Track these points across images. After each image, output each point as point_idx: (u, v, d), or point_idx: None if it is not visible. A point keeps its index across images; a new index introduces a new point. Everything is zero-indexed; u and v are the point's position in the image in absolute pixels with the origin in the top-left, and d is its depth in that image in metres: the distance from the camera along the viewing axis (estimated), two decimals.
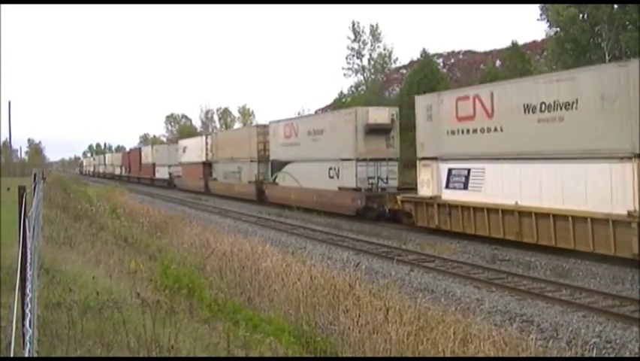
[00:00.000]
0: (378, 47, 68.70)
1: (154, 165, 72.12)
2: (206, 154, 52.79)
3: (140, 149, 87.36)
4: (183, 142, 64.22)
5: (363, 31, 68.72)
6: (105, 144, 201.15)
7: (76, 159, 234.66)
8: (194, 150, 57.33)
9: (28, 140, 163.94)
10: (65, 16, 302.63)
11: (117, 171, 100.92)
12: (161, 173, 69.57)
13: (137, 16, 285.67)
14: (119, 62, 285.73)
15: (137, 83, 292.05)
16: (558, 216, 18.04)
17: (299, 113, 70.49)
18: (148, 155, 76.67)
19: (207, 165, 52.82)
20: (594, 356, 9.51)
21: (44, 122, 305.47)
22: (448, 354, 7.94)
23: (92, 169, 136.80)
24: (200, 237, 19.99)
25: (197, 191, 53.65)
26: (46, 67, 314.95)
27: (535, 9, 76.27)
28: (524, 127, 19.43)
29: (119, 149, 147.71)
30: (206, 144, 53.04)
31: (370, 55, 68.79)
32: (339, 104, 62.32)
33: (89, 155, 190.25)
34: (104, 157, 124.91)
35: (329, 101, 75.47)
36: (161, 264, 12.86)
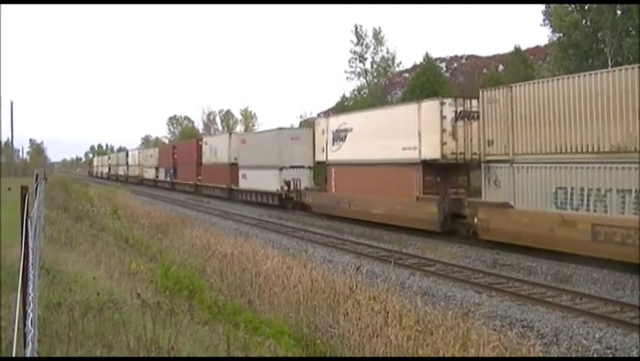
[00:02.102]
0: (381, 50, 68.89)
1: (234, 166, 44.12)
2: (486, 136, 20.76)
3: (197, 141, 56.39)
4: (344, 118, 31.32)
5: (366, 35, 68.91)
6: (107, 145, 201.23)
7: (78, 159, 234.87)
8: (403, 130, 24.97)
9: (30, 140, 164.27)
10: (67, 16, 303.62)
11: (149, 175, 73.16)
12: (260, 181, 39.42)
13: (138, 17, 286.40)
14: (121, 64, 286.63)
15: (138, 85, 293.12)
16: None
17: (301, 117, 70.35)
18: (218, 149, 47.98)
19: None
20: None
21: (46, 123, 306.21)
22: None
23: (105, 170, 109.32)
24: (201, 239, 20.02)
25: (428, 231, 23.75)
26: (49, 67, 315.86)
27: (538, 14, 76.27)
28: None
29: (122, 150, 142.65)
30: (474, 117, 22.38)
31: (373, 58, 68.95)
32: (341, 107, 62.36)
33: (90, 155, 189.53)
34: (127, 155, 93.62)
35: (331, 104, 75.58)
36: (162, 265, 12.89)
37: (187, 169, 56.38)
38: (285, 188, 36.59)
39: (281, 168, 37.02)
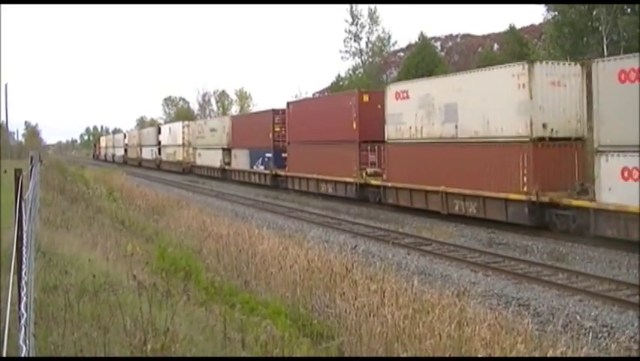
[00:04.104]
0: (376, 30, 68.49)
1: (553, 143, 18.38)
2: None
3: (361, 95, 28.59)
4: None
5: (361, 14, 68.48)
6: (102, 127, 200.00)
7: (73, 141, 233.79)
8: None
9: (25, 122, 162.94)
10: None
11: (207, 160, 49.25)
12: None
13: None
14: (116, 46, 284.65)
15: (131, 66, 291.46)
16: None
17: (296, 97, 70.02)
18: (470, 106, 20.46)
19: None
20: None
21: (40, 106, 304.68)
22: (444, 337, 7.96)
23: (119, 153, 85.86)
24: (197, 220, 19.98)
25: None
26: (43, 50, 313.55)
27: None
28: None
29: (117, 131, 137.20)
30: None
31: (368, 38, 68.61)
32: (336, 87, 62.17)
33: (86, 137, 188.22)
34: (158, 131, 66.54)
35: (326, 84, 75.37)
36: (158, 247, 12.90)
37: (328, 153, 30.50)
38: None
39: None
